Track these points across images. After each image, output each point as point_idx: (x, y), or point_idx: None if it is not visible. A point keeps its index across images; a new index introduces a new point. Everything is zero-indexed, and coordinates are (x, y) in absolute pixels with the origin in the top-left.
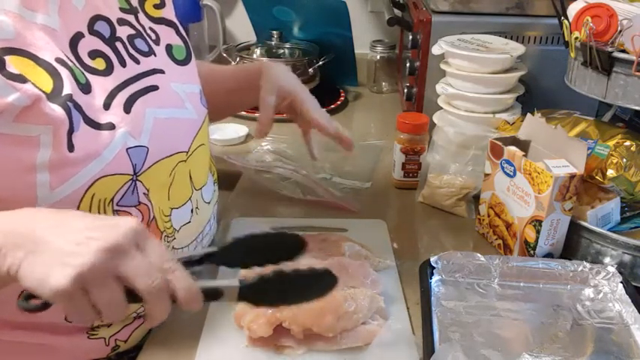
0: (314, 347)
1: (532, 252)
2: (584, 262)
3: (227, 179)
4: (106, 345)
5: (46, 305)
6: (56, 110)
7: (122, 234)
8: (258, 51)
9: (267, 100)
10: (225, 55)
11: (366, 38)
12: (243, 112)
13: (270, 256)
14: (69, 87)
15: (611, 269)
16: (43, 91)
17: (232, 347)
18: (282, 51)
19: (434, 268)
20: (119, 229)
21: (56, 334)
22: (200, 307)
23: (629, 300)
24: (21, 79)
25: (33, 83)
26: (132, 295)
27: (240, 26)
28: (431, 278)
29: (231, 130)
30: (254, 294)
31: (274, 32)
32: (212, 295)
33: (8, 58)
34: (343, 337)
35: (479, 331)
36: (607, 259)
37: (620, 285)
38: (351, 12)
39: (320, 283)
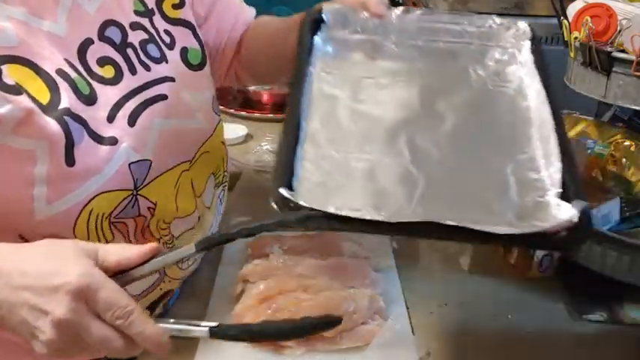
0: (314, 347)
1: (532, 252)
2: (494, 17)
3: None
4: None
5: None
6: (51, 124)
7: (65, 306)
8: None
9: None
10: None
11: None
12: (243, 112)
13: None
14: (66, 101)
15: (522, 25)
16: (40, 103)
17: (232, 347)
18: None
19: (322, 22)
20: (61, 297)
21: None
22: (166, 351)
23: (532, 62)
24: (15, 90)
25: (29, 94)
26: None
27: None
28: (315, 33)
29: (231, 130)
30: (231, 338)
31: None
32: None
33: (6, 67)
34: (343, 337)
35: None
36: (607, 260)
37: (528, 43)
38: None
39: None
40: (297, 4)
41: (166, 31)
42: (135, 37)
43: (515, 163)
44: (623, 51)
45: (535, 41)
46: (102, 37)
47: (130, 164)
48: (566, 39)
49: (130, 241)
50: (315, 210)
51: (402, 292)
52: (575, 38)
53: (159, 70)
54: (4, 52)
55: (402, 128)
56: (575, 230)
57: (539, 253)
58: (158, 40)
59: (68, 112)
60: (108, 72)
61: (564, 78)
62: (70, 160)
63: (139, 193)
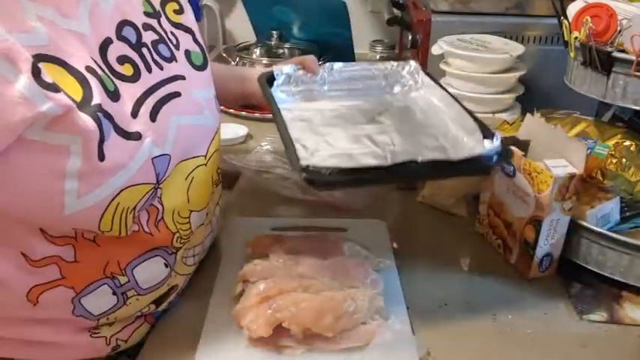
0: (314, 347)
1: (532, 252)
2: (392, 62)
3: (227, 179)
4: (106, 344)
5: None
6: (86, 120)
7: None
8: (257, 51)
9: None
10: (224, 55)
11: (366, 38)
12: (243, 112)
13: None
14: (98, 96)
15: (413, 64)
16: (74, 100)
17: (232, 347)
18: (281, 51)
19: (274, 80)
20: None
21: (59, 331)
22: None
23: (432, 82)
24: (54, 88)
25: (65, 92)
26: None
27: (240, 26)
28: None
29: (231, 130)
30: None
31: (274, 32)
32: None
33: (42, 66)
34: (343, 337)
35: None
36: (607, 260)
37: (421, 73)
38: (350, 12)
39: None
40: (296, 4)
41: (172, 33)
42: (148, 38)
43: (442, 136)
44: (623, 51)
45: (426, 71)
46: (120, 37)
47: (152, 159)
48: (566, 39)
49: (145, 231)
50: (334, 168)
51: (402, 292)
52: (575, 38)
53: (171, 69)
54: (38, 52)
55: (360, 132)
56: (500, 153)
57: (539, 253)
58: (167, 40)
59: (100, 108)
60: (127, 70)
61: (564, 78)
62: (101, 155)
63: (160, 186)
